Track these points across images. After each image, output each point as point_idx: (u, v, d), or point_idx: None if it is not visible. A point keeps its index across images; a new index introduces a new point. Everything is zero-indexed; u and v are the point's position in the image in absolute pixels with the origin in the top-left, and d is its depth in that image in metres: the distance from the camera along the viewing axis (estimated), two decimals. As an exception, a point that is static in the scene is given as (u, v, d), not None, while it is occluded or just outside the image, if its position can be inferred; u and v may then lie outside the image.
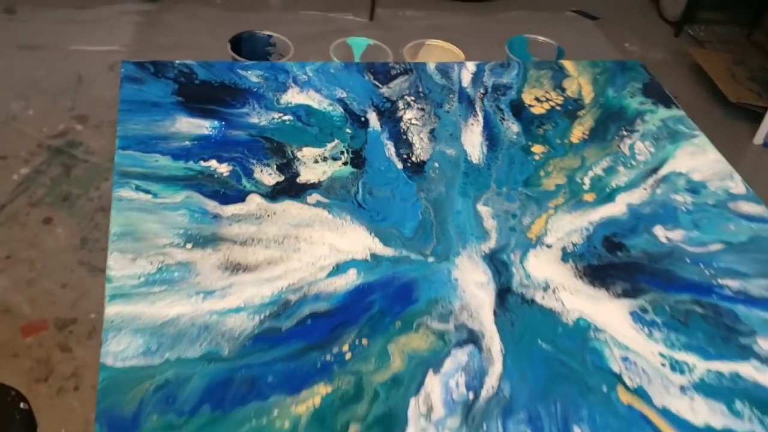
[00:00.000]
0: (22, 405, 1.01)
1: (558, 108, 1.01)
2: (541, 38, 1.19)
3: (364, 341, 0.66)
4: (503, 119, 0.97)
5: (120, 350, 0.62)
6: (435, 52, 1.22)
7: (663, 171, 0.92)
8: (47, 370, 1.62)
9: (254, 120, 0.90)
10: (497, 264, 0.76)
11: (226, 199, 0.78)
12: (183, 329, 0.65)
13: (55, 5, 2.87)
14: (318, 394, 0.61)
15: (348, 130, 0.91)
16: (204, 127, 0.87)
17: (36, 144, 2.19)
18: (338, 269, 0.73)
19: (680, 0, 3.23)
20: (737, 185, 0.91)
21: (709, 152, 0.96)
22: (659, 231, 0.83)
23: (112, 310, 0.65)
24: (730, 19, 3.32)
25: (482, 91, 1.02)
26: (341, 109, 0.94)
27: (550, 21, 3.16)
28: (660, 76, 3.10)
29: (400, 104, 0.97)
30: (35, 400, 1.47)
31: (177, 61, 0.97)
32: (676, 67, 3.03)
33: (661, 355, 0.69)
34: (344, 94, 0.97)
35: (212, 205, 0.77)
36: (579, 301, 0.73)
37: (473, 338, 0.68)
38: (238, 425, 0.58)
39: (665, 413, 0.64)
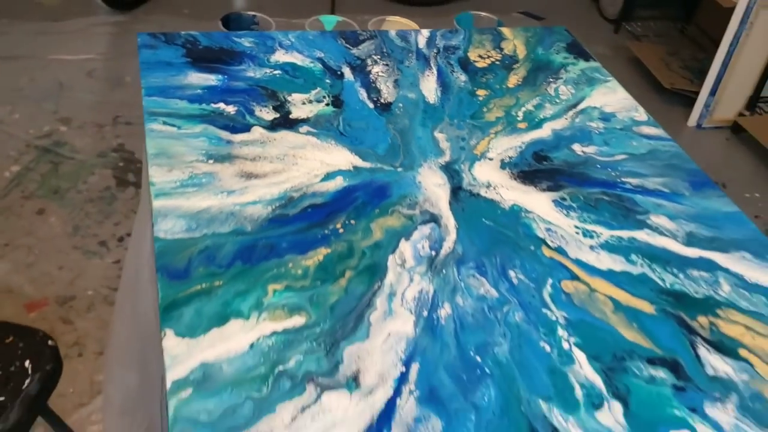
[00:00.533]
0: (49, 342, 1.19)
1: (497, 63, 1.24)
2: (483, 14, 1.43)
3: (352, 221, 0.87)
4: (453, 71, 1.20)
5: (168, 228, 0.82)
6: (395, 26, 1.45)
7: (581, 106, 1.15)
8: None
9: (250, 74, 1.11)
10: (451, 171, 0.98)
11: (235, 130, 0.99)
12: (214, 215, 0.85)
13: (31, 18, 3.03)
14: (321, 253, 0.82)
15: (327, 81, 1.12)
16: (210, 79, 1.08)
17: (24, 144, 2.36)
18: (328, 176, 0.94)
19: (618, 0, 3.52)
20: (641, 115, 1.15)
21: (619, 92, 1.19)
22: (576, 147, 1.06)
23: (158, 203, 0.85)
24: (664, 15, 3.62)
25: (435, 51, 1.24)
26: (320, 65, 1.16)
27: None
28: (602, 70, 3.34)
29: (369, 61, 1.19)
30: None
31: (183, 32, 1.18)
32: (616, 60, 3.31)
33: (575, 227, 0.92)
34: (322, 54, 1.18)
35: (225, 134, 0.98)
36: (513, 194, 0.96)
37: (434, 219, 0.90)
38: (263, 272, 0.79)
39: (578, 262, 0.86)
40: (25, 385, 1.12)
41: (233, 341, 0.71)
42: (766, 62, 2.73)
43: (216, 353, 0.70)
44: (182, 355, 0.69)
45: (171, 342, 0.70)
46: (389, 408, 0.68)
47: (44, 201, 2.17)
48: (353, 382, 0.70)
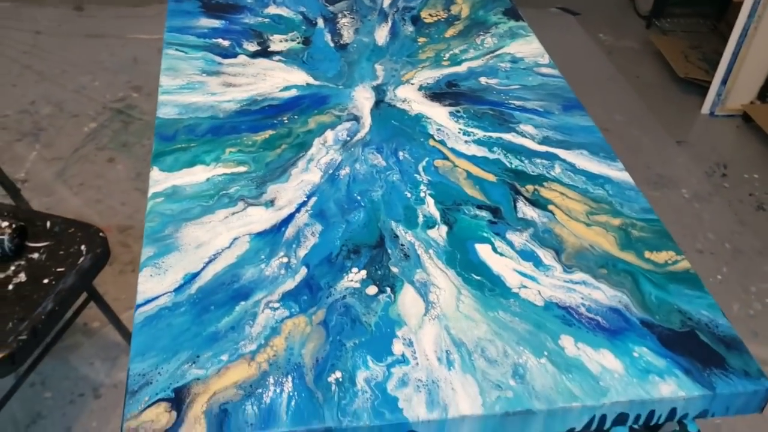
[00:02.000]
0: (100, 234, 1.60)
1: (442, 20, 1.58)
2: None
3: (296, 117, 1.24)
4: (404, 24, 1.55)
5: (166, 112, 1.21)
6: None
7: (498, 52, 1.49)
8: (112, 259, 2.20)
9: (246, 21, 1.49)
10: (378, 90, 1.34)
11: (225, 56, 1.38)
12: (198, 106, 1.24)
13: (116, 3, 3.53)
14: (268, 133, 1.20)
15: (303, 27, 1.50)
16: (215, 23, 1.47)
17: (101, 106, 2.83)
18: (286, 88, 1.31)
19: None
20: (544, 59, 1.47)
21: (533, 43, 1.52)
22: (482, 79, 1.40)
23: (162, 98, 1.24)
24: (696, 13, 3.82)
25: (395, 9, 1.60)
26: (301, 16, 1.54)
27: (536, 16, 3.72)
28: (628, 61, 3.70)
29: (339, 15, 1.56)
30: (104, 277, 2.05)
31: (201, -9, 1.58)
32: (642, 54, 3.57)
33: (459, 129, 1.26)
34: (304, 9, 1.56)
35: (218, 59, 1.37)
36: (421, 107, 1.31)
37: (356, 118, 1.26)
38: (225, 141, 1.17)
39: (452, 150, 1.21)
40: (80, 260, 1.52)
41: (196, 176, 1.10)
42: None
43: (183, 181, 1.08)
44: (161, 180, 1.08)
45: (155, 174, 1.09)
46: (289, 217, 1.04)
47: (114, 152, 2.63)
48: (270, 203, 1.07)
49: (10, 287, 1.45)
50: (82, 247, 1.55)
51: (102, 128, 2.74)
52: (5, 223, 1.51)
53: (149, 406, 0.78)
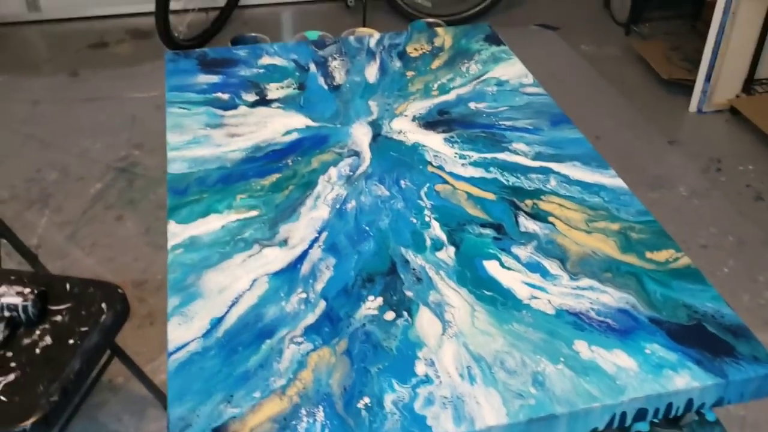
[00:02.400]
0: (119, 290, 1.65)
1: (427, 53, 1.65)
2: (432, 20, 1.84)
3: (299, 158, 1.30)
4: (391, 60, 1.62)
5: (176, 168, 1.27)
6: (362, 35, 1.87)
7: (483, 77, 1.55)
8: (130, 314, 2.26)
9: (242, 73, 1.56)
10: (374, 125, 1.40)
11: (226, 108, 1.44)
12: (206, 159, 1.30)
13: (110, 66, 3.62)
14: (274, 177, 1.25)
15: (297, 73, 1.56)
16: (213, 78, 1.54)
17: (105, 166, 2.90)
18: (287, 133, 1.37)
19: (627, 4, 3.84)
20: (528, 79, 1.53)
21: (517, 66, 1.58)
22: (472, 104, 1.46)
23: (170, 154, 1.30)
24: (672, 15, 3.90)
25: (381, 48, 1.67)
26: (294, 64, 1.60)
27: (517, 34, 3.80)
28: (612, 68, 3.78)
29: (329, 59, 1.62)
30: (124, 332, 2.10)
31: (197, 49, 1.64)
32: (625, 60, 3.65)
33: (455, 153, 1.31)
34: (296, 57, 1.63)
35: (219, 112, 1.43)
36: (416, 136, 1.36)
37: (356, 153, 1.32)
38: (235, 189, 1.22)
39: (450, 173, 1.26)
40: (102, 318, 1.57)
41: (211, 225, 1.15)
42: (755, 47, 3.00)
43: (199, 231, 1.14)
44: (179, 232, 1.13)
45: (173, 227, 1.14)
46: (304, 254, 1.09)
47: (122, 210, 2.69)
48: (284, 243, 1.12)
49: (38, 351, 1.50)
50: (103, 305, 1.60)
51: (108, 188, 2.80)
52: (27, 290, 1.56)
53: (192, 446, 0.83)
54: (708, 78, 3.10)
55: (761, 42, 2.98)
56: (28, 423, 1.35)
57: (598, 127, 3.07)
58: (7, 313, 1.52)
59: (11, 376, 1.44)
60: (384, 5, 3.83)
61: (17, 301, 1.53)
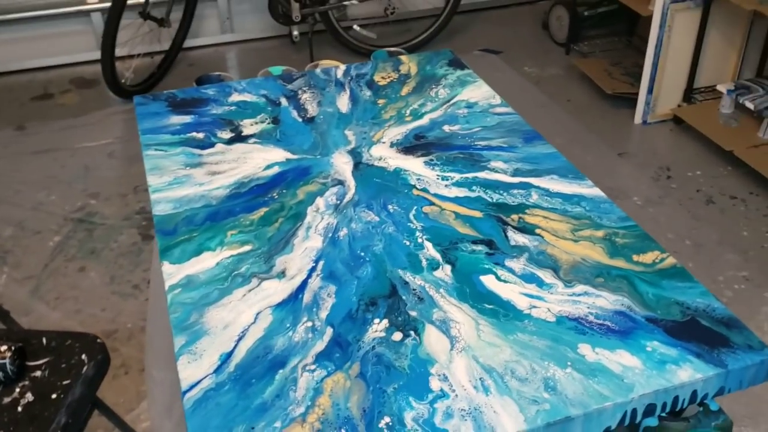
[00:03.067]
0: (98, 340, 1.62)
1: (395, 80, 1.69)
2: (393, 48, 1.88)
3: (284, 191, 1.31)
4: (361, 90, 1.65)
5: (160, 209, 1.26)
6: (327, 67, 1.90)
7: (453, 101, 1.60)
8: None
9: (214, 111, 1.57)
10: (354, 153, 1.43)
11: (203, 147, 1.44)
12: (191, 198, 1.30)
13: (57, 117, 3.56)
14: (262, 211, 1.26)
15: (269, 108, 1.58)
16: (186, 119, 1.54)
17: (62, 218, 2.84)
18: (268, 167, 1.39)
19: (565, 24, 3.99)
20: (496, 99, 1.58)
21: (483, 88, 1.64)
22: (446, 127, 1.50)
23: (154, 196, 1.29)
24: (610, 32, 4.06)
25: (349, 78, 1.70)
26: (264, 99, 1.62)
27: (462, 60, 3.89)
28: (557, 87, 3.88)
29: (299, 92, 1.65)
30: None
31: (165, 91, 1.65)
32: (568, 78, 3.77)
33: (437, 175, 1.35)
34: (266, 92, 1.64)
35: (196, 151, 1.43)
36: (397, 161, 1.39)
37: (341, 182, 1.34)
38: (224, 226, 1.22)
39: (435, 195, 1.29)
40: (84, 370, 1.54)
41: (205, 263, 1.15)
42: (691, 58, 3.14)
43: (194, 270, 1.13)
44: (174, 273, 1.13)
45: (167, 267, 1.14)
46: (303, 284, 1.10)
47: (84, 260, 2.64)
48: (282, 274, 1.12)
49: (20, 409, 1.45)
50: (83, 357, 1.56)
51: (67, 240, 2.74)
52: (4, 347, 1.51)
53: (219, 483, 0.82)
54: (650, 90, 3.23)
55: (697, 52, 3.13)
56: (20, 485, 1.30)
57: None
58: (-16, 373, 1.48)
59: (-4, 438, 1.39)
60: (329, 39, 3.88)
61: (-6, 359, 1.48)
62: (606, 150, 3.13)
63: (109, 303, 2.43)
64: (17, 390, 1.49)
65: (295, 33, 3.87)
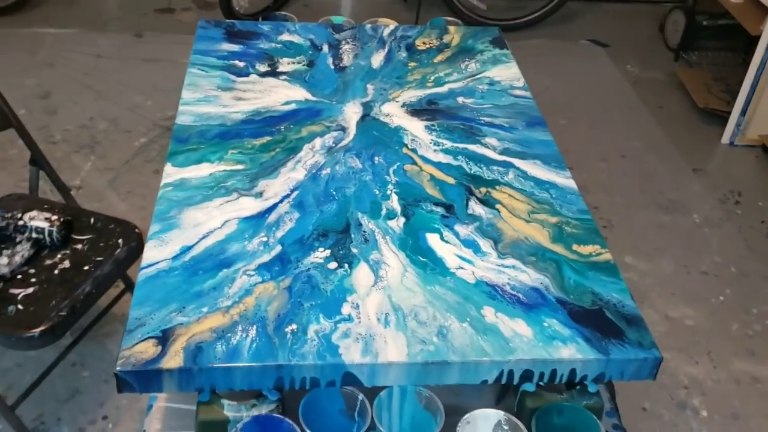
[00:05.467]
0: (136, 229, 1.84)
1: (434, 47, 1.79)
2: (450, 18, 1.98)
3: (291, 126, 1.47)
4: (399, 50, 1.77)
5: (183, 120, 1.45)
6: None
7: (479, 76, 1.69)
8: None
9: (261, 46, 1.74)
10: (366, 106, 1.56)
11: (239, 75, 1.62)
12: (210, 116, 1.47)
13: (173, 31, 3.85)
14: (266, 138, 1.42)
15: (310, 51, 1.73)
16: (234, 47, 1.72)
17: (152, 123, 3.13)
18: (287, 103, 1.54)
19: (681, 30, 3.89)
20: (519, 82, 1.66)
21: (513, 69, 1.71)
22: (460, 99, 1.60)
23: (181, 108, 1.48)
24: (725, 47, 3.93)
25: (393, 38, 1.82)
26: (309, 42, 1.77)
27: (566, 48, 3.89)
28: (652, 92, 3.84)
29: (343, 42, 1.78)
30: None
31: (227, 20, 1.82)
32: (667, 84, 3.71)
33: (431, 140, 1.46)
34: (313, 37, 1.79)
35: (232, 77, 1.61)
36: (401, 121, 1.51)
37: (343, 129, 1.48)
38: (229, 144, 1.39)
39: (421, 157, 1.41)
40: (117, 252, 1.77)
41: (201, 171, 1.33)
42: None
43: (190, 175, 1.31)
44: (173, 174, 1.31)
45: (168, 169, 1.32)
46: (273, 206, 1.26)
47: (160, 164, 2.91)
48: (259, 195, 1.29)
49: (56, 272, 1.70)
50: (119, 241, 1.79)
51: (151, 143, 3.03)
52: (55, 217, 1.77)
53: (141, 341, 1.00)
54: (743, 112, 3.14)
55: (799, 82, 3.01)
56: (38, 331, 1.55)
57: (626, 146, 3.15)
58: (34, 235, 1.74)
59: (30, 290, 1.65)
60: (440, 3, 3.96)
61: (45, 225, 1.74)
62: (681, 163, 3.09)
63: (170, 205, 2.69)
64: (58, 256, 1.74)
65: (410, -9, 3.98)
